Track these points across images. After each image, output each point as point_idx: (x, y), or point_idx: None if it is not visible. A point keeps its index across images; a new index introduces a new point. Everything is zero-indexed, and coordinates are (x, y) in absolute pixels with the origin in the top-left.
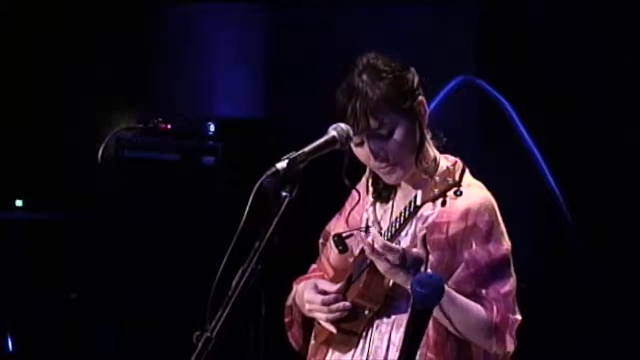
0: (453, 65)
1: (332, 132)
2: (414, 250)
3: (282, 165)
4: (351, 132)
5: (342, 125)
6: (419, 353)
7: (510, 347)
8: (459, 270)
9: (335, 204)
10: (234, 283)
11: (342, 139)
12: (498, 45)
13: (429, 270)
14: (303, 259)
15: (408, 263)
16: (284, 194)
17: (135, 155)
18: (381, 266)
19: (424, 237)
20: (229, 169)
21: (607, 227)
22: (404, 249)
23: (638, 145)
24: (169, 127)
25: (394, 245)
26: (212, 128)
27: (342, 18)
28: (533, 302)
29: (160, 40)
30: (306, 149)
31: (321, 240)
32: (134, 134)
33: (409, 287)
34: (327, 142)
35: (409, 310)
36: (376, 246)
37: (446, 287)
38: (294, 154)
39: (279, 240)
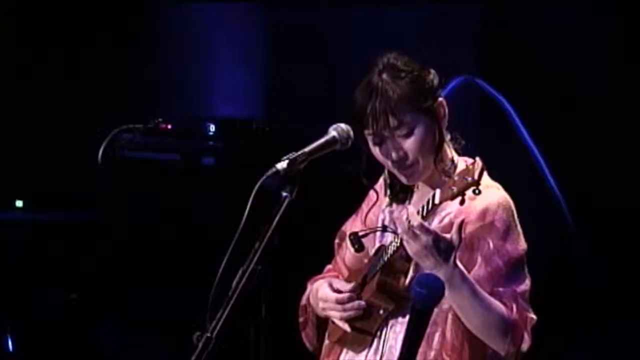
0: (453, 65)
1: (332, 132)
2: (448, 235)
3: (282, 165)
4: (351, 132)
5: (342, 125)
6: (435, 354)
7: (525, 345)
8: (475, 268)
9: (340, 205)
10: (234, 283)
11: (342, 139)
12: (498, 45)
13: (457, 260)
14: (305, 259)
15: (440, 247)
16: (284, 194)
17: (135, 155)
18: (412, 247)
19: (460, 224)
20: (229, 169)
21: (607, 227)
22: (437, 233)
23: (638, 145)
24: (169, 127)
25: (429, 226)
26: (212, 128)
27: (342, 18)
28: (533, 301)
29: (160, 40)
30: (306, 149)
31: (336, 240)
32: (134, 134)
33: (435, 273)
34: (327, 142)
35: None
36: (413, 223)
37: (469, 279)
38: (294, 154)
39: (280, 241)
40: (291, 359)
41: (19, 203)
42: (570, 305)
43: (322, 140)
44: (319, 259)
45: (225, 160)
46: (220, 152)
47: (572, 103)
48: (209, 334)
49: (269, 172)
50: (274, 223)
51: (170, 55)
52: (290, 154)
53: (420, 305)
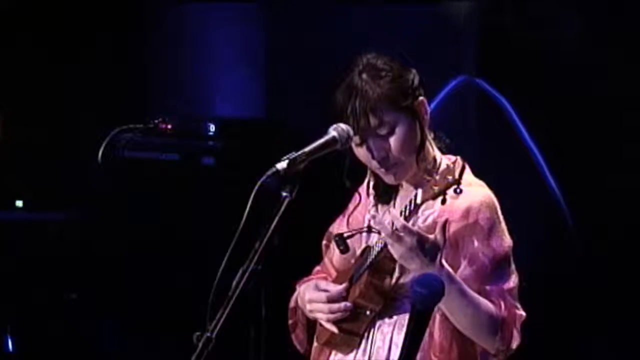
0: (453, 65)
1: (332, 132)
2: (432, 235)
3: (282, 165)
4: (351, 132)
5: (342, 125)
6: (423, 355)
7: (515, 343)
8: (461, 268)
9: (339, 205)
10: (234, 283)
11: (342, 139)
12: (498, 45)
13: (443, 260)
14: (304, 259)
15: (425, 248)
16: (284, 194)
17: (135, 155)
18: (397, 249)
19: (444, 224)
20: (229, 169)
21: (607, 227)
22: (420, 233)
23: (638, 144)
24: (169, 127)
25: (413, 227)
26: (212, 128)
27: (342, 18)
28: (533, 302)
29: (160, 40)
30: (306, 149)
31: (324, 242)
32: (134, 134)
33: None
34: (327, 142)
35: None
36: (396, 225)
37: (457, 279)
38: (294, 154)
39: (279, 241)
40: (291, 359)
41: (19, 203)
42: (571, 305)
43: (322, 140)
44: (318, 259)
45: (225, 160)
46: (220, 152)
47: (573, 103)
48: (209, 334)
49: (269, 172)
50: (274, 223)
51: (170, 55)
52: (290, 154)
53: (420, 306)
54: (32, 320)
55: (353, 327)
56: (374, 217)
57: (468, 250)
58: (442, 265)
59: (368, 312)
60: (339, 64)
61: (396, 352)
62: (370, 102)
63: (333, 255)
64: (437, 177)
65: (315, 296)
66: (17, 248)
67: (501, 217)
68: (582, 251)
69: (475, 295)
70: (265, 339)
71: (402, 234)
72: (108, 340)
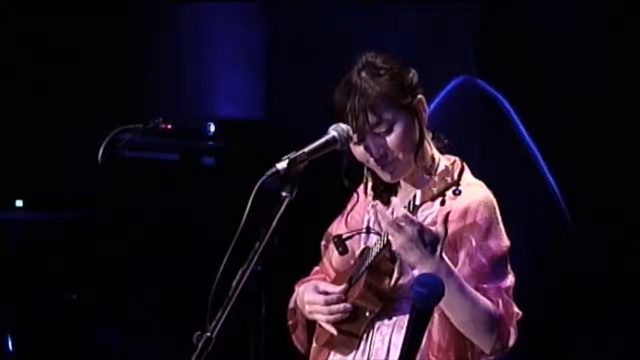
0: (453, 65)
1: (332, 132)
2: (433, 227)
3: (282, 165)
4: (351, 132)
5: (342, 125)
6: (421, 354)
7: (511, 341)
8: (459, 266)
9: (338, 205)
10: (234, 283)
11: (342, 139)
12: (498, 45)
13: (444, 253)
14: (304, 259)
15: (425, 239)
16: (284, 193)
17: (135, 155)
18: (397, 240)
19: (446, 216)
20: (229, 169)
21: (607, 227)
22: (421, 224)
23: (638, 145)
24: (169, 127)
25: (414, 217)
26: (212, 128)
27: (342, 18)
28: (533, 301)
29: (160, 40)
30: (306, 149)
31: (323, 242)
32: (134, 134)
33: (420, 268)
34: (327, 142)
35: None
36: (397, 215)
37: (456, 273)
38: (294, 154)
39: (279, 241)
40: (291, 359)
41: (19, 203)
42: (570, 305)
43: (322, 140)
44: (318, 259)
45: (225, 160)
46: (220, 152)
47: (572, 103)
48: (209, 334)
49: (269, 172)
50: (274, 223)
51: (170, 55)
52: (290, 154)
53: (420, 305)
54: (32, 320)
55: (352, 328)
56: (374, 206)
57: (466, 249)
58: (442, 258)
59: (367, 313)
60: (339, 64)
61: (395, 353)
62: (370, 100)
63: (332, 256)
64: (436, 179)
65: (314, 298)
66: (17, 248)
67: (499, 218)
68: (582, 251)
69: (474, 292)
70: (265, 339)
71: (403, 223)
72: (108, 341)
